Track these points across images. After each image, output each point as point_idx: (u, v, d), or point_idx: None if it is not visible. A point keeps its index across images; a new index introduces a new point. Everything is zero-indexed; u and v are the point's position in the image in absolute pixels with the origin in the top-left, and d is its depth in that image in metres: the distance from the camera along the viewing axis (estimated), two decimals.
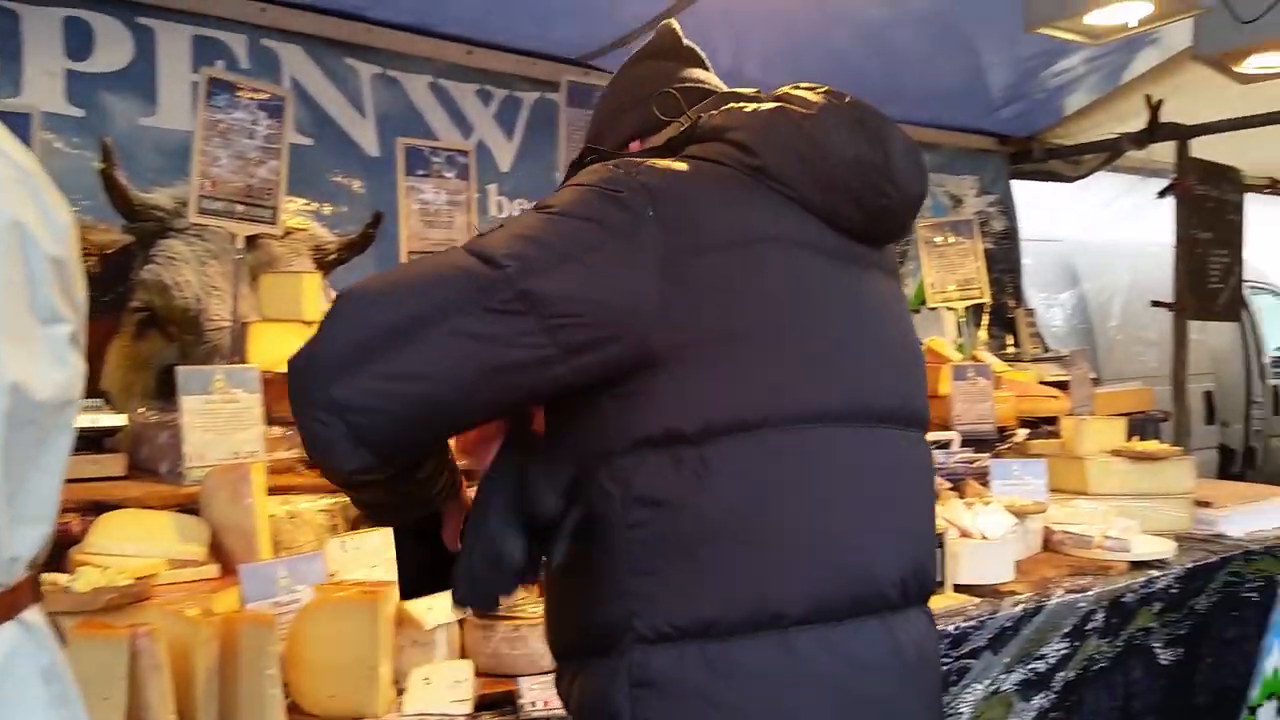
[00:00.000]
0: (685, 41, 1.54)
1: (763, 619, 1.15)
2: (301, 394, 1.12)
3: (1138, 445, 3.28)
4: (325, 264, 2.91)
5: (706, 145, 1.28)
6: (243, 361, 2.44)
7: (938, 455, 3.24)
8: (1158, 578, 2.81)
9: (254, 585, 1.77)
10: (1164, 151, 4.51)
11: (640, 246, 1.16)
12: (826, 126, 1.24)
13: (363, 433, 1.10)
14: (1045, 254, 5.79)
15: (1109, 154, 4.66)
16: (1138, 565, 2.82)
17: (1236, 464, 7.32)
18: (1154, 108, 4.24)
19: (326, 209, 3.20)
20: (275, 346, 2.41)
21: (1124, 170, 5.10)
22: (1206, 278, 4.38)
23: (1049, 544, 2.97)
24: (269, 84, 2.73)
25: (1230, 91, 3.65)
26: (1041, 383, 4.00)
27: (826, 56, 3.79)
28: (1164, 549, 2.89)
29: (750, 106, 1.29)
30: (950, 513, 2.65)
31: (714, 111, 1.32)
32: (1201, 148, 4.53)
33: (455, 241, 2.80)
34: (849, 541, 1.20)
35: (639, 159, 1.27)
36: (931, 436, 3.34)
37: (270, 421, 2.26)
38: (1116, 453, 3.24)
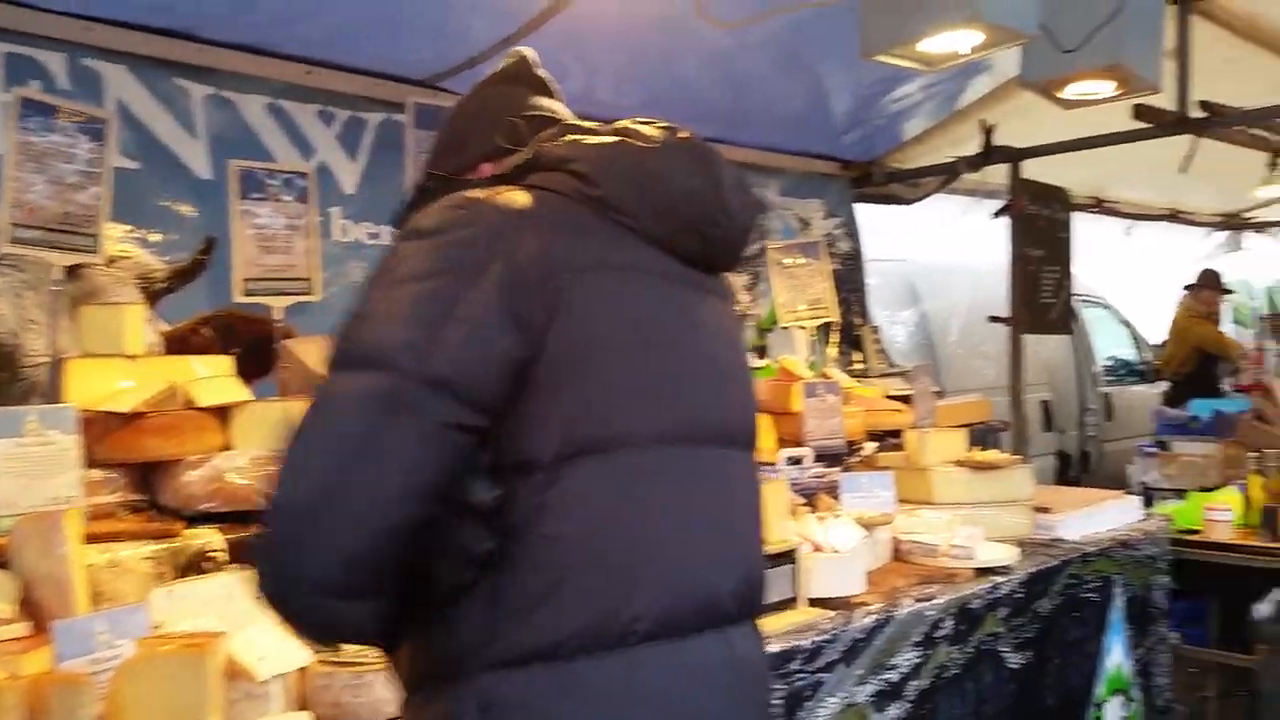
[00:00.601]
0: (537, 70, 1.54)
1: (611, 637, 1.17)
2: (295, 606, 1.15)
3: (978, 455, 3.40)
4: (153, 293, 2.75)
5: (549, 175, 1.30)
6: (60, 400, 2.28)
7: (791, 471, 3.30)
8: (1002, 583, 2.91)
9: (68, 642, 1.63)
10: (997, 174, 4.74)
11: (493, 283, 1.17)
12: (664, 160, 1.31)
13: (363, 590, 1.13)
14: (889, 274, 6.00)
15: (946, 177, 4.86)
16: (983, 572, 2.91)
17: (1074, 469, 7.73)
18: (987, 132, 4.44)
19: (154, 235, 3.03)
20: (96, 383, 2.25)
21: (960, 192, 5.34)
22: (1039, 293, 4.61)
23: (898, 554, 3.04)
24: (89, 105, 2.58)
25: (1056, 116, 3.85)
26: (888, 397, 4.12)
27: (676, 82, 3.84)
28: (1007, 555, 2.99)
29: (592, 139, 1.34)
30: (803, 527, 2.68)
31: (557, 142, 1.34)
32: (1031, 169, 4.78)
33: (294, 267, 2.69)
34: (693, 557, 1.25)
35: (481, 190, 1.28)
36: (785, 452, 3.41)
37: (90, 464, 2.11)
38: (959, 463, 3.35)
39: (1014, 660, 2.96)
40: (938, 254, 6.09)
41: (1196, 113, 3.96)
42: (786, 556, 2.51)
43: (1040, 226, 4.61)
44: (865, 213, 5.26)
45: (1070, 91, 3.30)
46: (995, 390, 5.45)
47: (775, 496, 2.52)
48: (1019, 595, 2.97)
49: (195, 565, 2.13)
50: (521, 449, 1.18)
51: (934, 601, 2.68)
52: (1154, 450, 5.36)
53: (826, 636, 2.36)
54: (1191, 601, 4.11)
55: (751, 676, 1.33)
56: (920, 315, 6.08)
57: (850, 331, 4.84)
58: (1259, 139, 4.42)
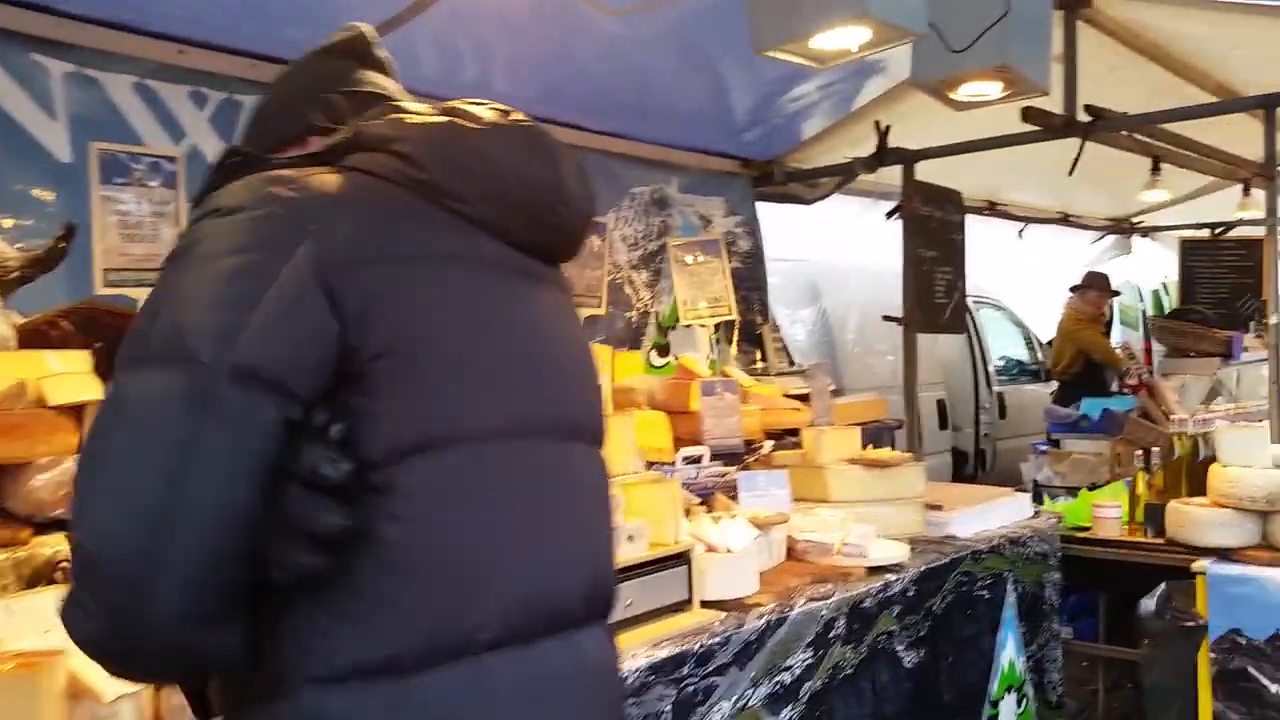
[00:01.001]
0: (374, 47, 1.42)
1: (453, 648, 1.08)
2: (151, 650, 1.03)
3: (871, 453, 3.40)
4: (5, 283, 2.56)
5: (370, 156, 1.19)
6: None
7: (689, 471, 3.25)
8: (894, 581, 2.91)
9: None
10: (894, 175, 4.78)
11: (304, 262, 1.07)
12: (497, 143, 1.23)
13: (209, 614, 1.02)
14: (791, 273, 6.03)
15: (843, 177, 4.90)
16: (875, 570, 2.91)
17: (969, 466, 7.90)
18: (882, 133, 4.48)
19: (7, 222, 2.83)
20: None
21: (857, 193, 5.38)
22: (932, 293, 4.66)
23: (793, 553, 3.01)
24: None
25: (949, 118, 3.90)
26: (786, 396, 4.11)
27: (575, 72, 3.76)
28: (898, 553, 2.99)
29: (417, 118, 1.24)
30: (697, 528, 2.64)
31: (379, 120, 1.23)
32: (928, 172, 4.85)
33: (160, 257, 2.53)
34: (535, 559, 1.17)
35: (290, 169, 1.16)
36: (683, 451, 3.36)
37: None
38: (853, 461, 3.36)
39: (909, 658, 2.96)
40: (839, 254, 6.16)
41: (1083, 117, 4.05)
42: (679, 558, 2.46)
43: (933, 228, 4.67)
44: (767, 211, 5.27)
45: (961, 92, 3.32)
46: (893, 389, 5.53)
47: (667, 497, 2.46)
48: (912, 593, 2.97)
49: (45, 576, 1.97)
50: (353, 448, 1.07)
51: (827, 601, 2.67)
52: (1046, 448, 5.50)
53: (718, 639, 2.32)
54: (1083, 596, 4.21)
55: (603, 682, 1.27)
56: (821, 314, 6.13)
57: (751, 330, 4.83)
58: (1142, 144, 4.55)
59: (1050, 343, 7.70)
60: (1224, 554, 3.13)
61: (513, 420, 1.18)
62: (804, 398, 4.07)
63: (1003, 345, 8.60)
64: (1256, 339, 6.50)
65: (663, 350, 4.35)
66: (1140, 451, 4.26)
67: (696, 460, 3.34)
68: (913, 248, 4.54)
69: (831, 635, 2.65)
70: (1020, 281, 9.01)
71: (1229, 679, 2.98)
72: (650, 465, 3.19)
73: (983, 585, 3.31)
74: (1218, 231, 8.03)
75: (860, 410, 4.30)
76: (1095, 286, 7.27)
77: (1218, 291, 7.84)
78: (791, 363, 4.91)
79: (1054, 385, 7.89)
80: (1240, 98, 4.37)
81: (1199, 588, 3.08)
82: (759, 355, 4.80)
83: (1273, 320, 3.61)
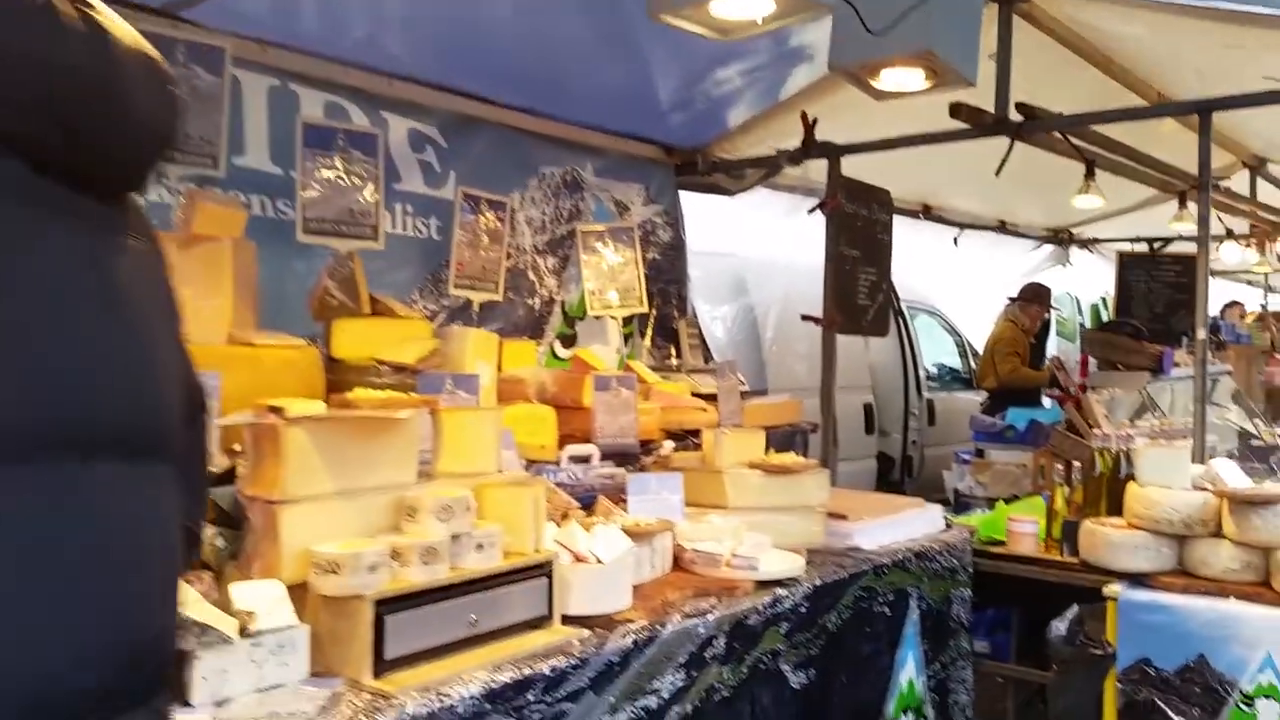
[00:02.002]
0: None
1: None
2: None
3: (773, 458, 3.20)
4: None
5: None
6: None
7: (576, 470, 3.02)
8: (785, 597, 2.71)
9: None
10: (824, 171, 4.58)
11: None
12: (14, 13, 0.89)
13: None
14: (715, 267, 5.82)
15: (768, 170, 4.69)
16: (765, 584, 2.70)
17: (895, 472, 7.77)
18: (808, 125, 4.28)
19: None
20: None
21: (784, 188, 5.18)
22: (855, 294, 4.47)
23: (680, 564, 2.81)
24: None
25: (878, 114, 3.71)
26: (695, 395, 3.90)
27: (478, 38, 3.49)
28: (792, 566, 2.79)
29: None
30: (565, 535, 2.40)
31: None
32: (860, 172, 4.65)
33: None
34: (27, 640, 0.85)
35: None
36: (569, 450, 3.13)
37: None
38: (753, 466, 3.15)
39: (797, 679, 2.76)
40: (767, 249, 5.93)
41: (1015, 116, 3.87)
42: (538, 569, 2.22)
43: (858, 226, 4.47)
44: (690, 202, 5.05)
45: (882, 80, 3.12)
46: (818, 391, 5.35)
47: (527, 500, 2.22)
48: (805, 609, 2.77)
49: None
50: None
51: (706, 617, 2.45)
52: (970, 457, 5.35)
53: (574, 661, 2.08)
54: (1001, 610, 4.05)
55: None
56: (746, 311, 5.91)
57: (667, 324, 4.61)
58: (1078, 149, 4.40)
59: (983, 354, 7.58)
60: (1137, 579, 2.96)
61: (16, 430, 0.85)
62: (713, 397, 3.85)
63: (935, 351, 8.49)
64: (1189, 355, 6.41)
65: (568, 342, 4.11)
66: (1061, 466, 4.11)
67: (584, 460, 3.11)
68: (836, 246, 4.35)
69: (708, 655, 2.44)
70: (955, 288, 8.90)
71: (1136, 712, 2.81)
72: (531, 465, 2.95)
73: (884, 601, 3.13)
74: (1156, 246, 7.98)
75: (773, 412, 4.10)
76: (1037, 300, 7.16)
77: (1154, 307, 7.81)
78: (709, 360, 4.69)
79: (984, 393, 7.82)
80: (1176, 102, 4.23)
81: (1109, 613, 2.91)
82: (674, 351, 4.58)
83: (1200, 335, 3.45)
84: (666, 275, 4.67)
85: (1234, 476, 2.94)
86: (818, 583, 2.84)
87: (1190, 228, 5.87)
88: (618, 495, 3.01)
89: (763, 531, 2.99)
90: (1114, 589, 2.95)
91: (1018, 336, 7.09)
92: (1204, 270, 3.53)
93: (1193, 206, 5.81)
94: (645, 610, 2.39)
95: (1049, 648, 3.15)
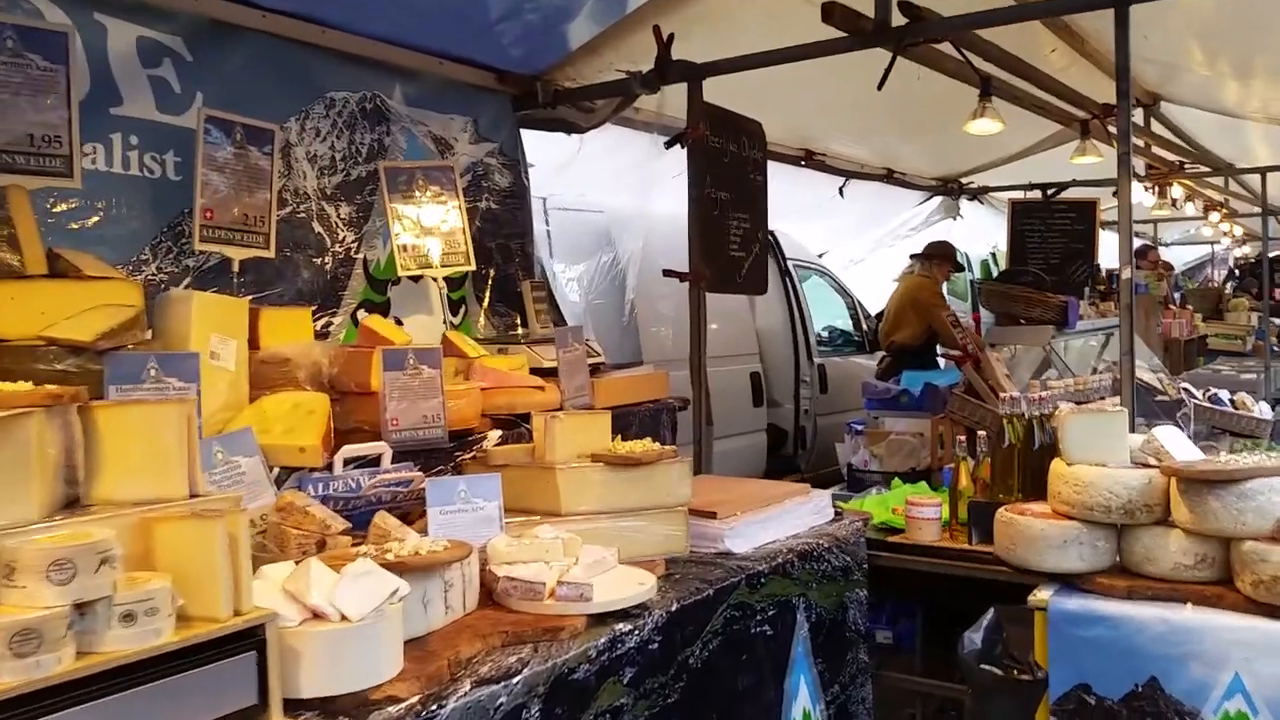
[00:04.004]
0: None
1: None
2: None
3: (620, 447, 2.52)
4: None
5: None
6: None
7: (353, 478, 2.29)
8: (628, 633, 2.05)
9: None
10: (682, 102, 3.88)
11: None
12: None
13: None
14: (574, 222, 5.07)
15: (620, 99, 3.98)
16: (601, 619, 2.04)
17: (788, 445, 7.22)
18: (663, 42, 3.58)
19: None
20: None
21: (640, 125, 4.47)
22: (726, 245, 3.82)
23: (495, 597, 2.11)
24: None
25: (745, 27, 3.05)
26: (537, 371, 3.19)
27: None
28: (637, 591, 2.13)
29: None
30: (297, 582, 1.67)
31: None
32: (727, 104, 3.97)
33: None
34: None
35: None
36: (345, 451, 2.39)
37: None
38: (595, 458, 2.47)
39: None
40: (638, 200, 5.18)
41: (898, 20, 3.24)
42: (242, 640, 1.50)
43: (726, 163, 3.80)
44: (537, 144, 4.30)
45: None
46: (711, 360, 4.70)
47: (218, 541, 1.49)
48: (656, 646, 2.14)
49: None
50: None
51: (511, 680, 1.77)
52: (862, 427, 4.78)
53: None
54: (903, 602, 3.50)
55: None
56: (610, 270, 5.15)
57: (509, 287, 3.88)
58: (969, 69, 3.81)
59: (884, 313, 7.05)
60: (1068, 581, 2.36)
61: None
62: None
63: (826, 314, 7.94)
64: (1090, 306, 5.98)
65: (377, 310, 3.35)
66: (963, 437, 3.55)
67: (373, 462, 2.38)
68: (700, 186, 3.67)
69: None
70: (843, 244, 8.37)
71: None
72: (287, 473, 2.21)
73: (764, 619, 2.54)
74: (1051, 193, 7.58)
75: (632, 387, 3.42)
76: (945, 258, 6.77)
77: (1049, 257, 7.44)
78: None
79: (880, 356, 7.31)
80: None
81: (1037, 628, 2.31)
82: (518, 319, 3.86)
83: (1125, 274, 2.90)
84: (507, 229, 3.92)
85: (1181, 448, 2.37)
86: (674, 608, 2.20)
87: (1093, 160, 5.40)
88: (420, 508, 2.30)
89: (607, 543, 2.35)
90: (1041, 596, 2.35)
91: (939, 290, 6.67)
92: (1126, 188, 2.97)
93: (1095, 143, 5.33)
94: (420, 679, 1.70)
95: (961, 666, 2.56)
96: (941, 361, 6.66)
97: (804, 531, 2.87)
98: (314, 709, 1.59)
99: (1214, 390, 5.23)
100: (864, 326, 8.13)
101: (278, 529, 1.94)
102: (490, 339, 3.53)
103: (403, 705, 1.61)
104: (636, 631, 2.09)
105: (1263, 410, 5.06)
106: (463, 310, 3.67)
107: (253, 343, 2.49)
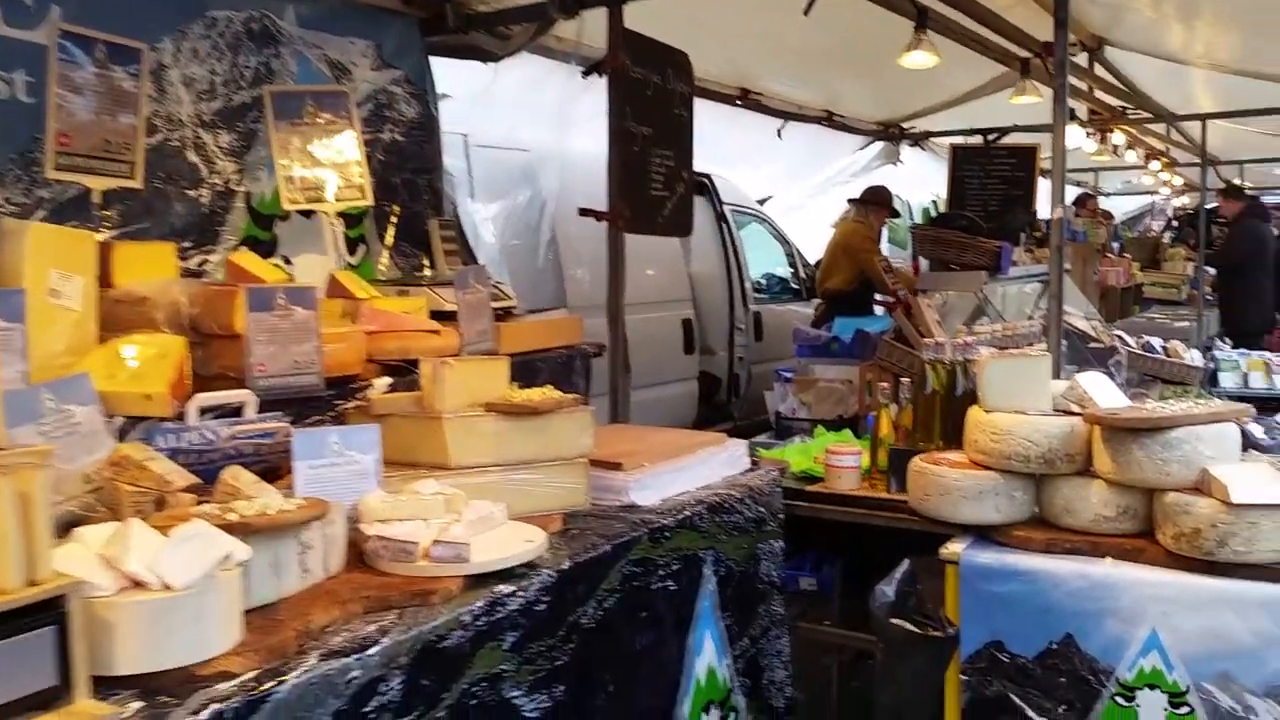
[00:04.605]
0: None
1: None
2: None
3: (517, 395, 2.35)
4: None
5: None
6: None
7: (210, 430, 2.09)
8: (510, 595, 1.89)
9: None
10: (602, 28, 3.65)
11: None
12: None
13: None
14: (485, 156, 4.80)
15: (537, 25, 3.74)
16: (481, 579, 1.87)
17: (721, 393, 7.10)
18: None
19: None
20: None
21: (559, 55, 4.23)
22: (648, 183, 3.62)
23: (365, 559, 1.94)
24: None
25: None
26: (436, 315, 2.99)
27: None
28: (522, 550, 1.97)
29: None
30: (115, 546, 1.48)
31: None
32: (651, 30, 3.74)
33: None
34: None
35: None
36: (200, 399, 2.18)
37: None
38: (489, 407, 2.29)
39: (534, 705, 1.97)
40: (562, 135, 4.92)
41: None
42: (39, 613, 1.31)
43: (648, 96, 3.59)
44: (448, 73, 4.04)
45: None
46: (640, 306, 4.51)
47: (17, 498, 1.30)
48: (543, 607, 1.98)
49: None
50: None
51: (367, 652, 1.60)
52: (790, 375, 4.66)
53: None
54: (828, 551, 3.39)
55: None
56: (529, 207, 4.89)
57: (416, 225, 3.66)
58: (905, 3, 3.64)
59: (823, 260, 6.92)
60: (983, 533, 2.24)
61: None
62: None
63: (764, 261, 7.78)
64: (1026, 253, 5.89)
65: (262, 248, 3.11)
66: (886, 384, 3.42)
67: (232, 413, 2.17)
68: (620, 120, 3.46)
69: (372, 706, 1.60)
70: (781, 190, 8.19)
71: (985, 709, 2.12)
72: (133, 423, 2.00)
73: (667, 574, 2.39)
74: (992, 138, 7.47)
75: (541, 332, 3.24)
76: (880, 203, 6.64)
77: (989, 204, 7.35)
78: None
79: (816, 304, 7.18)
80: None
81: (949, 581, 2.19)
82: (425, 261, 3.65)
83: (1057, 213, 2.76)
84: (414, 163, 3.68)
85: (1106, 394, 2.24)
86: (565, 566, 2.05)
87: (1033, 101, 5.27)
88: (289, 462, 2.11)
89: (498, 498, 2.18)
90: (953, 549, 2.23)
91: (872, 236, 6.53)
92: (1060, 123, 2.83)
93: (1035, 83, 5.19)
94: (260, 651, 1.52)
95: (872, 619, 2.44)
96: (880, 310, 6.57)
97: (716, 482, 2.72)
98: (131, 687, 1.41)
99: (1147, 338, 5.18)
100: (802, 274, 8.00)
101: (111, 485, 1.74)
102: (391, 280, 3.32)
103: (235, 682, 1.44)
104: (520, 593, 1.93)
105: (1194, 357, 5.02)
106: (361, 250, 3.45)
107: (106, 280, 2.26)
